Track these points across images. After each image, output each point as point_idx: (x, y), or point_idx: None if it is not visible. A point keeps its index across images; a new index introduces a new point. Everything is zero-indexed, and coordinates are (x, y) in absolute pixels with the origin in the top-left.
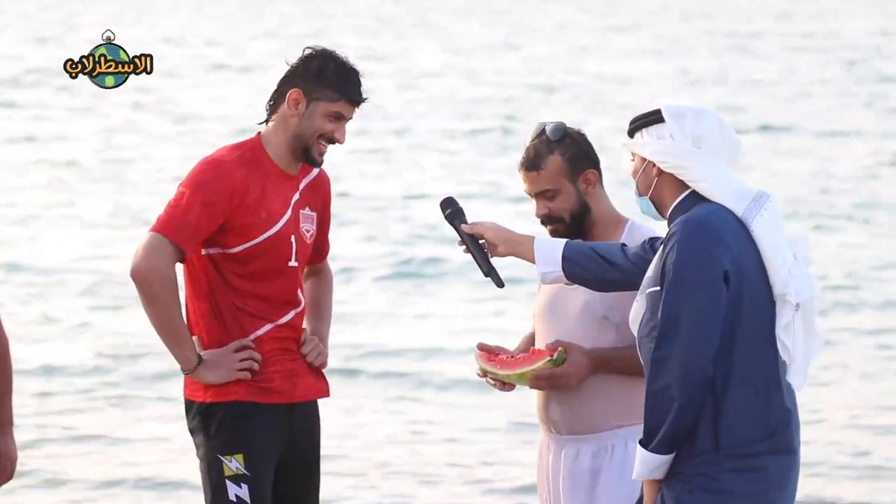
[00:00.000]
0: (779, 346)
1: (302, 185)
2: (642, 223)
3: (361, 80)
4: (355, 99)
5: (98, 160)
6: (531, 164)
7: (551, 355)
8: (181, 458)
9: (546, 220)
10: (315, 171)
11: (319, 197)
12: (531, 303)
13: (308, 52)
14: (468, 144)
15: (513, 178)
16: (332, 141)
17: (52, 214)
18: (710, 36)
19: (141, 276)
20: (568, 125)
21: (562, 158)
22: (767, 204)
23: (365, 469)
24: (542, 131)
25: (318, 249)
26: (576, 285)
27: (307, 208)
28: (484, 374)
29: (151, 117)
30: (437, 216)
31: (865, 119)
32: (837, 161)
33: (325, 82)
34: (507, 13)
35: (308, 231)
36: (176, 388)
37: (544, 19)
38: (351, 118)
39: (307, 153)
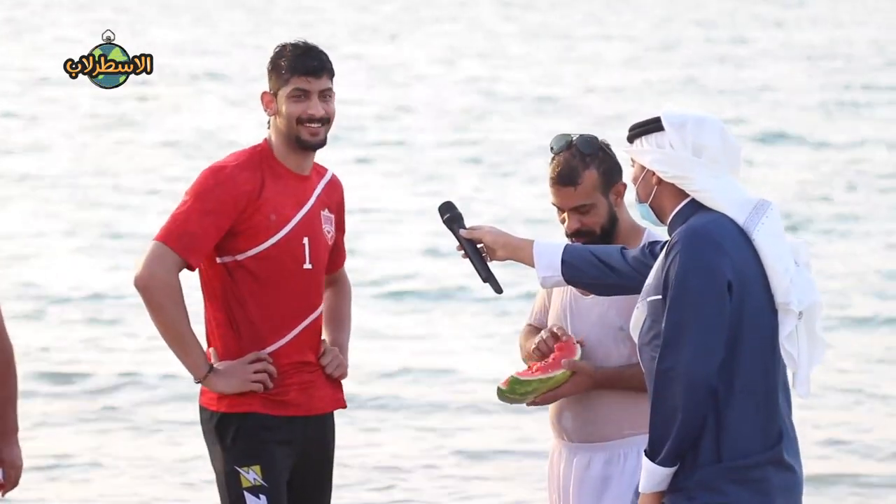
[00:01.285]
0: (783, 354)
1: (320, 187)
2: (658, 233)
3: (318, 52)
4: (305, 69)
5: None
6: (567, 179)
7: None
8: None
9: (577, 234)
10: (329, 174)
11: (335, 200)
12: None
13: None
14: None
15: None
16: (311, 120)
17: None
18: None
19: (143, 285)
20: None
21: (597, 172)
22: (769, 212)
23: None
24: (570, 143)
25: (334, 258)
26: (590, 294)
27: (326, 210)
28: (517, 394)
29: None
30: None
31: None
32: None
33: (279, 70)
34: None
35: (329, 232)
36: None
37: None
38: (320, 90)
39: (299, 141)
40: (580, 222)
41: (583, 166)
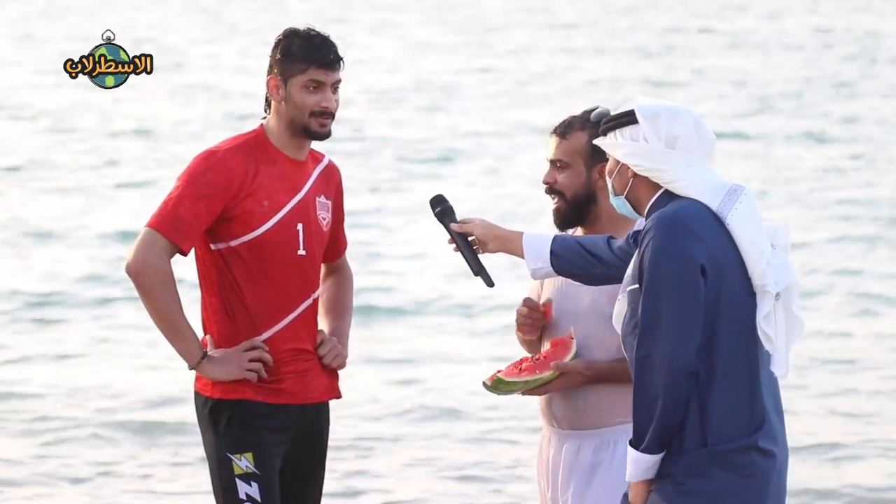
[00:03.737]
0: (760, 335)
1: (315, 173)
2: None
3: (331, 42)
4: (323, 61)
5: None
6: (559, 130)
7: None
8: None
9: (549, 189)
10: (325, 160)
11: (332, 186)
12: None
13: (276, 38)
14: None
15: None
16: (324, 113)
17: None
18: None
19: (135, 272)
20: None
21: (587, 139)
22: (742, 196)
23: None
24: (590, 111)
25: (334, 246)
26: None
27: (322, 196)
28: (501, 391)
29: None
30: None
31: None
32: None
33: (293, 58)
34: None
35: (325, 219)
36: None
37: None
38: (333, 82)
39: (307, 131)
40: (554, 178)
41: (579, 126)
